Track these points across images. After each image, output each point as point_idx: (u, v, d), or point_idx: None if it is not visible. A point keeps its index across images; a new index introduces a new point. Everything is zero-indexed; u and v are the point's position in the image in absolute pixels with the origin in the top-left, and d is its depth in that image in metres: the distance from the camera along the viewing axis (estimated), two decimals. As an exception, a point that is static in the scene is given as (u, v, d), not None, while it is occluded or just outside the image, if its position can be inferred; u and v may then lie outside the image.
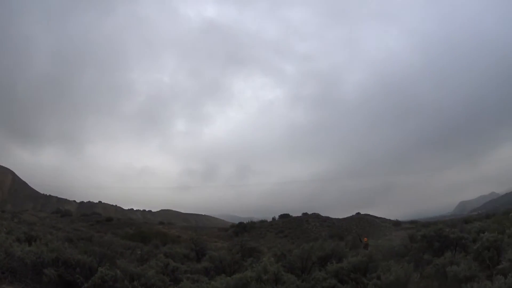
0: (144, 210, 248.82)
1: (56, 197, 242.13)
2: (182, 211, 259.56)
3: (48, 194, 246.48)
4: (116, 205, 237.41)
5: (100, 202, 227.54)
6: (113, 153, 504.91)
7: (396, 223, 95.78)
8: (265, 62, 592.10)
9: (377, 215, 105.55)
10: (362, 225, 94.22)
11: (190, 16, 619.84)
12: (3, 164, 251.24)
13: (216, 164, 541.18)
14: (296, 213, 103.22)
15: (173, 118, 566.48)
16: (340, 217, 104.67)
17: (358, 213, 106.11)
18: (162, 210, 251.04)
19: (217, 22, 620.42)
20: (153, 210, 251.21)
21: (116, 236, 55.20)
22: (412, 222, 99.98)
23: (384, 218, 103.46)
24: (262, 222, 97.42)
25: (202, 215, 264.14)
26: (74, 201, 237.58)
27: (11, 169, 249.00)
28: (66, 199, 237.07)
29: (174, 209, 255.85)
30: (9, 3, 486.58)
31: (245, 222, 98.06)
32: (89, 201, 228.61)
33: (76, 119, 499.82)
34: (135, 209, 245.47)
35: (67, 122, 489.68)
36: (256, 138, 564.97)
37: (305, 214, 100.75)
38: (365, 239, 53.62)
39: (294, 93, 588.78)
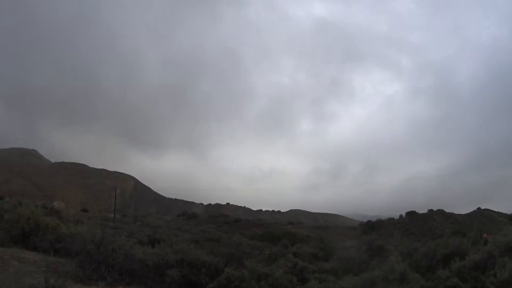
0: (273, 211, 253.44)
1: (182, 200, 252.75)
2: (311, 210, 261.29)
3: (173, 198, 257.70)
4: (244, 206, 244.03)
5: (228, 203, 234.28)
6: (240, 156, 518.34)
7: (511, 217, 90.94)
8: (380, 56, 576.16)
9: (495, 210, 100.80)
10: (482, 220, 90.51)
11: (300, 15, 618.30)
12: (124, 171, 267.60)
13: (343, 162, 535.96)
14: (422, 209, 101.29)
15: (297, 118, 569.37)
16: (463, 212, 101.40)
17: (479, 208, 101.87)
18: (291, 210, 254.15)
19: (328, 19, 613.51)
20: (282, 211, 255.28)
21: (244, 237, 56.33)
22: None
23: (501, 213, 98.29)
24: (390, 220, 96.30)
25: (331, 214, 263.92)
26: (201, 203, 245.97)
27: (132, 175, 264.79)
28: (192, 202, 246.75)
29: (303, 209, 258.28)
30: (112, 21, 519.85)
31: (373, 220, 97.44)
32: (216, 203, 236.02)
33: (199, 125, 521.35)
34: (264, 209, 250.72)
35: (189, 129, 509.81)
36: (381, 134, 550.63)
37: (430, 211, 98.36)
38: (485, 235, 51.75)
39: (412, 86, 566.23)
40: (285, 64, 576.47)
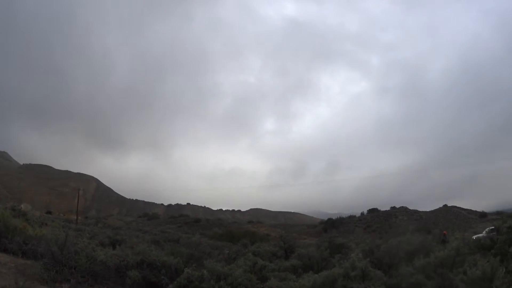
0: (233, 210, 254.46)
1: (143, 201, 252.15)
2: (272, 209, 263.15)
3: (134, 199, 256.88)
4: (204, 206, 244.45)
5: (188, 204, 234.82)
6: (202, 156, 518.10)
7: (482, 215, 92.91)
8: (349, 56, 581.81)
9: (463, 207, 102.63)
10: (449, 217, 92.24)
11: (271, 15, 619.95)
12: (87, 172, 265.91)
13: (305, 161, 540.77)
14: (384, 207, 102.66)
15: (261, 118, 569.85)
16: (428, 209, 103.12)
17: (445, 205, 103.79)
18: (251, 209, 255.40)
19: (298, 19, 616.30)
20: (242, 210, 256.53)
21: (205, 237, 56.69)
22: (498, 213, 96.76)
23: (471, 210, 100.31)
24: (351, 217, 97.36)
25: (291, 212, 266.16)
26: (162, 204, 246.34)
27: (95, 176, 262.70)
28: (153, 203, 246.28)
29: (263, 208, 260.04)
30: (79, 18, 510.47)
31: (334, 218, 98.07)
32: (177, 204, 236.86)
33: (161, 124, 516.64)
34: (224, 209, 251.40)
35: (152, 128, 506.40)
36: (344, 133, 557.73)
37: (393, 208, 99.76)
38: (445, 232, 52.52)
39: (380, 85, 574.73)
40: (252, 64, 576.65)
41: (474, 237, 43.77)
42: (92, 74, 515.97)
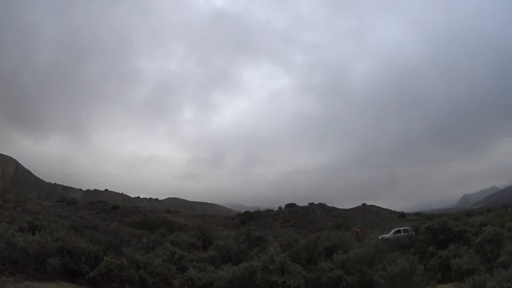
0: (151, 198, 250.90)
1: (62, 185, 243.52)
2: (189, 199, 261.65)
3: (53, 183, 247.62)
4: (122, 193, 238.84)
5: (106, 190, 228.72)
6: (120, 142, 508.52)
7: (401, 215, 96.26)
8: (274, 51, 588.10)
9: (382, 206, 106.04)
10: (368, 216, 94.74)
11: (199, 5, 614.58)
12: (5, 153, 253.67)
13: (223, 152, 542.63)
14: (302, 202, 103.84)
15: (180, 107, 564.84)
16: (347, 207, 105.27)
17: (364, 204, 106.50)
18: (168, 198, 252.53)
19: (226, 11, 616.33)
20: (160, 198, 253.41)
21: (123, 224, 56.16)
22: (417, 214, 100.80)
23: (390, 210, 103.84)
24: (269, 211, 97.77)
25: (208, 203, 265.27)
26: (80, 189, 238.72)
27: (13, 157, 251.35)
28: (72, 188, 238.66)
29: (181, 198, 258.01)
30: None
31: (251, 211, 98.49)
32: (95, 189, 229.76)
33: (83, 107, 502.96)
34: (141, 197, 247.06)
35: (73, 110, 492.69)
36: (263, 127, 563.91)
37: (311, 204, 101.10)
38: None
39: (302, 83, 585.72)
40: (175, 51, 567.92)
41: (380, 236, 45.84)
42: (16, 48, 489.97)
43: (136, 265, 15.71)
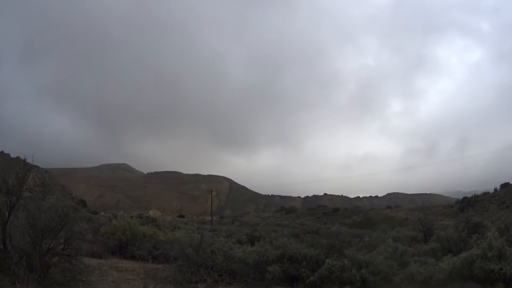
0: (370, 196, 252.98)
1: (279, 195, 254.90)
2: (408, 192, 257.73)
3: (270, 194, 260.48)
4: (341, 195, 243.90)
5: (325, 194, 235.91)
6: (333, 145, 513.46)
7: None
8: (459, 23, 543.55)
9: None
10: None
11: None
12: (219, 174, 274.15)
13: (436, 139, 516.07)
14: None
15: (387, 100, 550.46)
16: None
17: None
18: (388, 194, 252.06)
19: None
20: (379, 195, 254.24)
21: (344, 226, 56.35)
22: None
23: None
24: (485, 194, 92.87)
25: (427, 194, 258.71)
26: (298, 197, 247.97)
27: (227, 176, 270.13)
28: (289, 196, 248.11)
29: (400, 192, 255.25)
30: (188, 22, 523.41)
31: (468, 196, 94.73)
32: (314, 195, 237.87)
33: (286, 119, 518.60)
34: (361, 196, 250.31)
35: (277, 124, 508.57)
36: (470, 106, 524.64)
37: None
38: None
39: (496, 51, 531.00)
40: (368, 45, 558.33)
41: None
42: (207, 79, 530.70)
43: (358, 265, 15.80)
